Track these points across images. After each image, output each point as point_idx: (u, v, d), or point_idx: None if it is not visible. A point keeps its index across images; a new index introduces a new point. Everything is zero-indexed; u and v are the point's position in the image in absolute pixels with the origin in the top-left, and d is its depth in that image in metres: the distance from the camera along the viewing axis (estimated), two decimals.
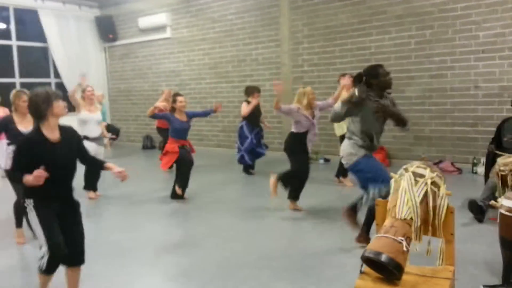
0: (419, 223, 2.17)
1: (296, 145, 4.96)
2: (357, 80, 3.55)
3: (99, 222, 4.95)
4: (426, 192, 2.19)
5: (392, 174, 2.46)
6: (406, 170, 2.33)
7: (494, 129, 6.68)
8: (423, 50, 7.54)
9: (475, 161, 6.99)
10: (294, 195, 5.03)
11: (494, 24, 6.78)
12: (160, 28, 11.10)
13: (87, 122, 5.58)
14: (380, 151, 7.89)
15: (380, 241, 2.13)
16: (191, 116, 5.75)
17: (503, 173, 4.15)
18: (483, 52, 6.97)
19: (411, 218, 2.16)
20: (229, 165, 8.35)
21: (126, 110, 12.30)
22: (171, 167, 5.85)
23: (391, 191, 2.38)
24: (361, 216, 3.76)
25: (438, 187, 2.23)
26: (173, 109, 5.59)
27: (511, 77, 6.73)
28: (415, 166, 2.32)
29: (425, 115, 7.53)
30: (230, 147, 10.25)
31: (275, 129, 9.25)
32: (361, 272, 2.24)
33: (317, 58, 8.78)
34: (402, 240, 2.08)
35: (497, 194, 4.30)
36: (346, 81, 5.76)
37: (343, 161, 3.75)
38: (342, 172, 6.37)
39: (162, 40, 11.19)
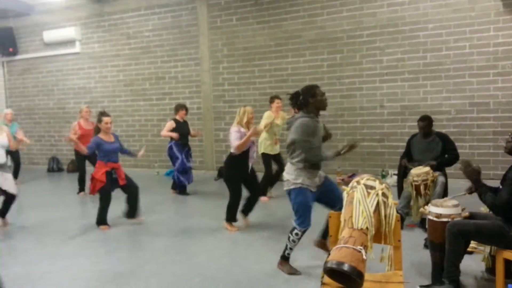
0: (373, 232, 2.35)
1: (237, 167, 4.91)
2: (294, 98, 3.62)
3: (18, 256, 4.40)
4: (378, 203, 2.39)
5: (343, 187, 2.63)
6: (357, 182, 2.51)
7: (398, 144, 7.52)
8: (335, 73, 8.16)
9: (383, 173, 7.68)
10: (233, 218, 5.05)
11: (396, 50, 7.63)
12: (68, 42, 10.43)
13: None
14: None
15: (341, 251, 2.25)
16: (117, 138, 5.30)
17: (416, 183, 4.66)
18: (386, 75, 7.77)
19: (367, 228, 2.33)
20: (152, 186, 8.05)
21: (28, 129, 11.18)
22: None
23: (344, 203, 2.54)
24: None
25: (387, 197, 2.45)
26: (97, 130, 5.15)
27: (411, 97, 7.60)
28: (365, 178, 2.52)
29: (338, 132, 8.10)
30: (149, 167, 9.94)
31: (197, 147, 9.22)
32: (322, 283, 2.34)
33: (237, 78, 8.98)
34: (361, 249, 2.23)
35: (411, 203, 4.80)
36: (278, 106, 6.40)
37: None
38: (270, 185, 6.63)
39: (70, 55, 10.51)
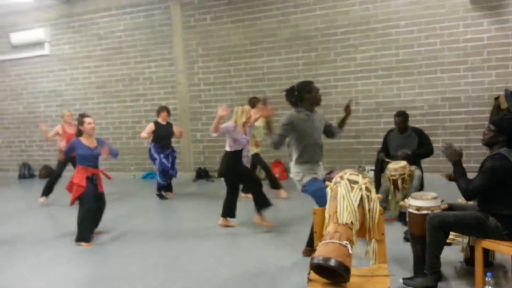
0: (358, 226, 2.36)
1: (236, 164, 4.94)
2: (290, 93, 3.70)
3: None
4: (361, 197, 2.41)
5: (327, 182, 2.64)
6: (341, 178, 2.52)
7: (374, 140, 7.64)
8: (310, 71, 8.22)
9: (360, 169, 7.78)
10: (229, 212, 5.02)
11: (369, 47, 7.74)
12: (37, 44, 10.10)
13: None
14: (278, 164, 8.34)
15: (327, 247, 2.25)
16: (101, 144, 4.95)
17: (394, 178, 4.74)
18: (360, 72, 7.88)
19: (352, 222, 2.34)
20: (130, 190, 7.89)
21: None
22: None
23: (328, 198, 2.55)
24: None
25: (370, 191, 2.47)
26: (79, 133, 4.84)
27: (385, 94, 7.74)
28: (348, 173, 2.54)
29: None
30: (124, 170, 9.74)
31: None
32: (308, 280, 2.33)
33: (213, 77, 8.92)
34: (347, 244, 2.24)
35: (390, 197, 4.88)
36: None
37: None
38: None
39: (40, 57, 10.19)
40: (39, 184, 9.27)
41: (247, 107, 5.14)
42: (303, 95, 3.65)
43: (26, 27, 10.18)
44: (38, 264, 4.19)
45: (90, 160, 4.76)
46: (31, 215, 6.30)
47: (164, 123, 6.91)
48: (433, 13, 7.30)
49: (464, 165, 3.15)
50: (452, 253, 3.68)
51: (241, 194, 6.52)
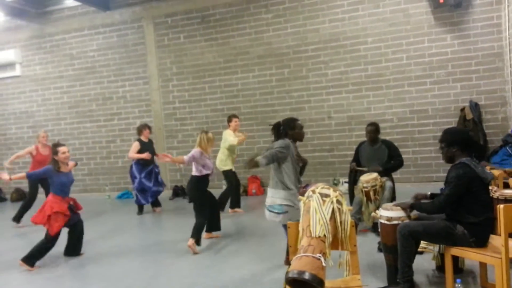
0: (331, 239, 2.44)
1: (203, 188, 5.04)
2: (275, 128, 3.96)
3: None
4: (333, 210, 2.49)
5: (300, 197, 2.71)
6: (313, 192, 2.60)
7: (347, 152, 7.82)
8: (283, 87, 8.39)
9: (335, 181, 7.94)
10: (199, 236, 4.98)
11: (339, 63, 7.98)
12: (8, 66, 9.95)
13: None
14: (255, 180, 8.39)
15: (301, 260, 2.31)
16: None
17: (366, 189, 4.85)
18: (332, 87, 8.10)
19: (324, 235, 2.41)
20: (105, 210, 7.77)
21: None
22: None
23: (301, 212, 2.62)
24: None
25: (341, 204, 2.56)
26: (55, 163, 4.70)
27: (356, 108, 7.96)
28: (320, 187, 2.62)
29: None
30: (98, 191, 9.59)
31: None
32: None
33: (188, 95, 8.97)
34: (320, 256, 2.30)
35: (363, 208, 4.99)
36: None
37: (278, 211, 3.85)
38: (234, 202, 6.68)
39: (11, 78, 10.04)
40: (11, 207, 9.04)
41: (210, 134, 5.13)
42: (287, 131, 3.89)
43: None
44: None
45: (67, 187, 4.75)
46: (2, 238, 6.11)
47: (146, 140, 6.99)
48: (399, 30, 7.61)
49: (434, 175, 3.32)
50: (424, 261, 3.79)
51: (229, 210, 6.59)
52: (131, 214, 7.17)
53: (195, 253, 4.76)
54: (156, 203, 7.28)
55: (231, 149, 6.44)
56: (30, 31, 9.82)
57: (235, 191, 6.71)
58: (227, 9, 8.56)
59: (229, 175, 6.59)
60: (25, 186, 7.95)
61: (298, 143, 4.17)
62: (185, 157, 4.88)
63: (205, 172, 5.00)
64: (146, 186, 6.87)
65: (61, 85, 9.76)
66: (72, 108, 9.74)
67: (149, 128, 7.14)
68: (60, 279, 4.31)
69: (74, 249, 4.98)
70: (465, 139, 3.22)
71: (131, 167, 6.94)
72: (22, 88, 10.04)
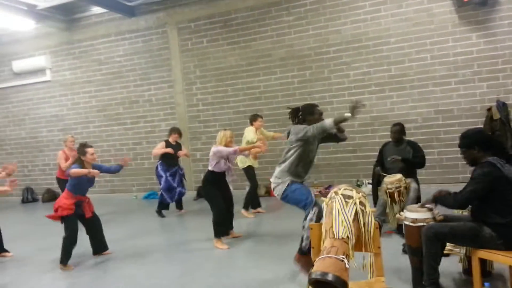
0: (354, 241, 2.47)
1: (213, 182, 5.15)
2: (294, 113, 3.89)
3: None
4: (356, 211, 2.52)
5: (322, 198, 2.76)
6: (335, 193, 2.64)
7: (370, 154, 7.76)
8: (305, 88, 8.41)
9: (358, 183, 7.90)
10: (221, 233, 5.13)
11: (361, 64, 7.95)
12: (38, 71, 10.34)
13: None
14: None
15: (325, 262, 2.35)
16: (98, 169, 5.01)
17: (390, 191, 4.83)
18: (354, 88, 8.07)
19: (347, 237, 2.45)
20: (132, 210, 7.98)
21: (0, 161, 10.94)
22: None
23: (324, 214, 2.66)
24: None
25: (364, 205, 2.59)
26: (80, 162, 4.79)
27: (379, 108, 7.91)
28: (343, 188, 2.65)
29: None
30: (126, 191, 9.85)
31: None
32: None
33: (211, 97, 9.11)
34: (343, 258, 2.34)
35: (387, 210, 4.97)
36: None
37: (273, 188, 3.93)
38: (254, 203, 6.75)
39: (41, 83, 10.42)
40: (42, 207, 9.41)
41: (228, 132, 5.30)
42: (305, 117, 3.81)
43: (28, 54, 10.44)
44: (41, 286, 4.27)
45: (84, 188, 4.87)
46: (35, 238, 6.38)
47: (173, 143, 7.17)
48: (423, 29, 7.52)
49: (460, 176, 3.29)
50: (450, 264, 3.74)
51: (251, 211, 6.69)
52: (155, 211, 7.31)
53: (226, 248, 4.95)
54: (179, 205, 7.43)
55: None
56: (59, 37, 10.17)
57: (253, 190, 6.75)
58: (248, 13, 8.65)
59: (249, 173, 6.65)
60: (56, 186, 8.24)
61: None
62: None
63: (214, 168, 5.13)
64: (172, 185, 7.05)
65: (89, 89, 10.07)
66: (100, 112, 10.04)
67: (180, 133, 7.30)
68: (87, 279, 4.47)
69: (99, 245, 5.11)
70: (482, 138, 3.19)
71: (157, 167, 7.12)
72: (52, 93, 10.41)
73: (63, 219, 4.73)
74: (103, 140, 10.03)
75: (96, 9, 9.58)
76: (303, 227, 3.72)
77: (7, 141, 11.00)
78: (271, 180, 3.95)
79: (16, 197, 10.56)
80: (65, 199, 4.76)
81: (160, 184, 7.09)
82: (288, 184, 3.80)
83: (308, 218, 3.69)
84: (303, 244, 3.71)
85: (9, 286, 4.40)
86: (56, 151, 7.79)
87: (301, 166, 3.86)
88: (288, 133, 3.90)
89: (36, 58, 10.24)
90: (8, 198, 10.69)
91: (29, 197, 10.32)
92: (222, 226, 5.13)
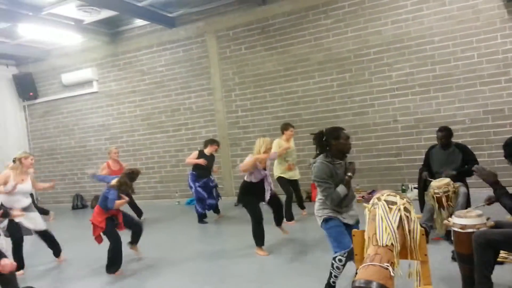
0: (399, 248, 2.39)
1: (250, 193, 5.18)
2: (317, 138, 3.50)
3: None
4: (401, 218, 2.44)
5: (364, 204, 2.69)
6: (378, 199, 2.57)
7: (415, 157, 7.51)
8: (345, 91, 8.28)
9: (403, 187, 7.65)
10: (261, 242, 5.13)
11: (404, 65, 7.72)
12: (86, 83, 10.85)
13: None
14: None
15: (368, 270, 2.28)
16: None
17: (437, 196, 4.64)
18: (397, 90, 7.85)
19: (392, 244, 2.37)
20: (174, 216, 8.16)
21: (51, 169, 11.54)
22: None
23: (367, 220, 2.59)
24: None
25: (409, 212, 2.50)
26: (122, 185, 4.91)
27: (424, 110, 7.64)
28: (386, 194, 2.58)
29: (353, 149, 8.08)
30: (169, 197, 10.09)
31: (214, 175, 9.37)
32: None
33: (249, 104, 9.17)
34: (388, 266, 2.27)
35: (435, 215, 4.78)
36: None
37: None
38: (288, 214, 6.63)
39: (89, 94, 10.92)
40: (91, 214, 9.74)
41: (267, 139, 5.35)
42: (330, 142, 3.41)
43: (75, 67, 10.98)
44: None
45: (108, 206, 4.92)
46: (84, 243, 6.64)
47: (208, 154, 7.24)
48: (468, 27, 7.21)
49: None
50: (504, 273, 3.56)
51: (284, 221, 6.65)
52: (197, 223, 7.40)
53: (266, 255, 4.97)
54: (216, 210, 7.56)
55: (281, 156, 6.47)
56: (104, 50, 10.63)
57: (287, 201, 6.60)
58: (286, 18, 8.65)
59: (281, 183, 6.65)
60: None
61: (360, 147, 3.96)
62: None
63: (250, 179, 5.16)
64: (201, 195, 7.09)
65: (134, 99, 10.43)
66: (144, 120, 10.36)
67: (218, 145, 7.41)
68: (133, 284, 4.60)
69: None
70: None
71: (188, 177, 7.22)
72: (99, 103, 10.87)
73: (104, 233, 4.91)
74: (147, 148, 10.34)
75: (139, 22, 9.92)
76: (332, 263, 3.46)
77: (58, 150, 11.58)
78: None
79: (67, 204, 11.09)
80: (96, 214, 4.93)
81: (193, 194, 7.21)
82: (326, 218, 3.49)
83: (337, 258, 3.42)
84: (331, 279, 3.51)
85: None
86: (103, 159, 8.13)
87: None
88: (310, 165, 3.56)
89: (83, 71, 10.75)
90: (59, 205, 11.25)
91: (78, 203, 10.81)
92: (261, 235, 5.11)
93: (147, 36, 10.09)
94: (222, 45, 9.32)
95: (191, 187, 7.15)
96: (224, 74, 9.36)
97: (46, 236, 5.47)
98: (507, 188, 3.14)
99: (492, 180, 3.08)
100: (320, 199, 3.52)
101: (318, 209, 3.57)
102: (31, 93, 11.37)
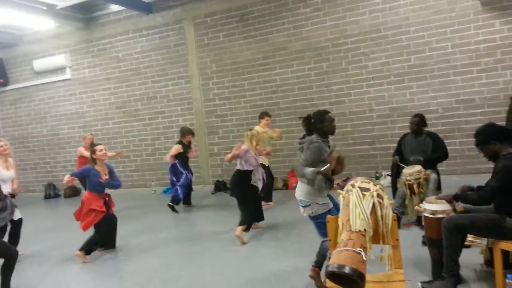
0: (371, 233, 2.44)
1: (245, 182, 5.25)
2: (305, 122, 3.74)
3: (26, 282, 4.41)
4: (373, 204, 2.49)
5: (339, 191, 2.73)
6: (352, 186, 2.61)
7: (389, 145, 7.65)
8: (322, 81, 8.33)
9: (377, 175, 7.80)
10: (247, 227, 5.16)
11: (380, 55, 7.82)
12: (59, 70, 10.56)
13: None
14: (293, 173, 8.43)
15: (341, 254, 2.33)
16: (111, 171, 5.12)
17: (409, 182, 4.76)
18: (372, 79, 7.95)
19: (365, 229, 2.42)
20: (151, 204, 8.10)
21: (23, 158, 11.23)
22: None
23: (341, 207, 2.64)
24: None
25: (382, 198, 2.55)
26: (93, 161, 4.97)
27: (398, 99, 7.78)
28: (360, 181, 2.62)
29: (330, 138, 8.20)
30: (145, 186, 9.99)
31: (192, 162, 9.31)
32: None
33: (227, 92, 9.12)
34: (360, 250, 2.32)
35: (406, 202, 4.90)
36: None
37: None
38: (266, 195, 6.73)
39: (62, 81, 10.64)
40: (64, 203, 9.66)
41: (255, 131, 5.36)
42: (317, 124, 3.63)
43: (48, 53, 10.66)
44: (63, 280, 4.39)
45: (102, 186, 4.97)
46: (58, 232, 6.54)
47: (186, 144, 7.23)
48: (443, 17, 7.34)
49: (482, 166, 3.22)
50: (471, 256, 3.67)
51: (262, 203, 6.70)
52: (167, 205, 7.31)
53: (243, 243, 4.93)
54: (188, 201, 7.48)
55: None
56: (78, 36, 10.34)
57: (268, 185, 6.64)
58: (265, 6, 8.60)
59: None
60: (77, 182, 8.39)
61: (337, 136, 4.03)
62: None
63: (246, 167, 5.23)
64: (188, 182, 7.16)
65: (108, 86, 10.22)
66: (119, 108, 10.18)
67: (193, 134, 7.37)
68: (108, 271, 4.57)
69: (109, 242, 5.20)
70: (496, 130, 3.13)
71: (174, 165, 7.11)
72: (73, 91, 10.61)
73: (96, 224, 4.86)
74: (123, 136, 10.18)
75: (114, 7, 9.68)
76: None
77: (30, 138, 11.27)
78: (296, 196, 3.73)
79: (39, 193, 10.85)
80: (91, 200, 4.86)
81: (179, 181, 7.11)
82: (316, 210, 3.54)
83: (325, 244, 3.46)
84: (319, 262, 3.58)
85: (32, 280, 4.52)
86: (77, 148, 7.99)
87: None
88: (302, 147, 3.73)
89: (56, 57, 10.45)
90: (31, 194, 11.00)
91: (51, 193, 10.57)
92: (249, 223, 5.16)
93: (123, 22, 9.87)
94: (200, 32, 9.21)
95: (181, 173, 7.09)
96: (202, 62, 9.27)
97: (17, 227, 5.29)
98: (475, 175, 3.25)
99: (452, 196, 3.28)
100: (307, 183, 3.52)
101: (312, 194, 3.51)
102: (1, 80, 11.00)
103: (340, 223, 2.59)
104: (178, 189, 7.10)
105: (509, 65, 7.02)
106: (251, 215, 5.18)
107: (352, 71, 8.09)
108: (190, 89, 9.44)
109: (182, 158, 7.14)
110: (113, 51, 10.05)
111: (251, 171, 5.28)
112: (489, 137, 3.09)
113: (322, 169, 3.45)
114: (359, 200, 2.50)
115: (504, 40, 7.02)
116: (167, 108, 9.71)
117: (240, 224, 5.07)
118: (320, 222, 3.49)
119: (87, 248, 4.87)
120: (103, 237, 4.98)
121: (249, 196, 5.23)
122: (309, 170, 3.49)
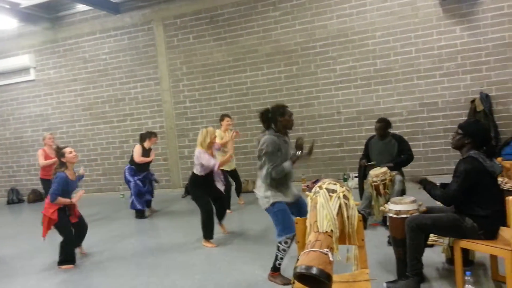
0: (338, 234, 2.49)
1: (200, 185, 5.11)
2: (264, 116, 3.68)
3: None
4: (340, 205, 2.54)
5: (307, 192, 2.77)
6: (320, 187, 2.66)
7: (357, 147, 7.84)
8: (292, 83, 8.43)
9: (345, 176, 7.96)
10: (210, 234, 5.09)
11: (347, 59, 7.99)
12: (22, 71, 10.19)
13: None
14: None
15: (309, 255, 2.36)
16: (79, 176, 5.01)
17: (375, 184, 4.88)
18: (341, 82, 8.11)
19: (332, 230, 2.47)
20: (118, 209, 7.93)
21: None
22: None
23: (309, 208, 2.68)
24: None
25: (348, 199, 2.61)
26: (62, 165, 4.65)
27: (365, 102, 7.96)
28: (327, 183, 2.67)
29: None
30: (113, 190, 9.78)
31: (162, 166, 9.24)
32: None
33: (198, 94, 9.08)
34: (327, 251, 2.36)
35: (373, 202, 5.02)
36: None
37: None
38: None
39: (25, 82, 10.27)
40: (28, 208, 9.32)
41: (211, 128, 5.21)
42: (276, 118, 3.63)
43: (11, 53, 10.28)
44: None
45: (68, 194, 4.72)
46: (21, 239, 6.31)
47: (147, 148, 6.93)
48: (407, 23, 7.58)
49: (445, 167, 3.34)
50: (434, 254, 3.81)
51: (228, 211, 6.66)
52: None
53: (214, 246, 4.98)
54: (148, 205, 7.22)
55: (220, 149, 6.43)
56: (43, 36, 10.03)
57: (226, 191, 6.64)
58: (235, 9, 8.62)
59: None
60: (41, 187, 8.13)
61: (306, 138, 4.06)
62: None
63: (200, 171, 5.05)
64: (141, 189, 6.82)
65: (74, 88, 9.95)
66: (86, 110, 9.94)
67: (156, 136, 7.12)
68: (72, 278, 4.45)
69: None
70: (484, 138, 3.21)
71: (124, 172, 6.88)
72: (37, 92, 10.27)
73: (55, 226, 4.67)
74: (90, 139, 9.94)
75: (81, 7, 9.45)
76: (278, 246, 3.64)
77: None
78: (255, 191, 3.83)
79: (1, 199, 10.43)
80: (47, 205, 4.65)
81: (130, 189, 6.82)
82: (272, 203, 3.63)
83: (282, 241, 3.61)
84: (277, 262, 3.67)
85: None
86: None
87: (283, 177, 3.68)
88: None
89: (19, 57, 10.08)
90: None
91: (14, 198, 10.17)
92: (211, 228, 5.08)
93: (90, 22, 9.65)
94: (169, 34, 9.12)
95: (129, 181, 6.80)
96: (172, 64, 9.18)
97: None
98: (439, 176, 3.37)
99: (419, 179, 3.38)
100: (265, 178, 3.62)
101: (265, 191, 3.65)
102: None
103: (308, 224, 2.63)
104: (134, 200, 6.80)
105: (469, 69, 7.33)
106: (208, 218, 5.03)
107: (320, 75, 8.22)
108: (159, 91, 9.33)
109: (135, 164, 6.83)
110: (79, 52, 9.81)
111: (206, 175, 5.10)
112: (473, 135, 3.14)
113: (297, 153, 3.54)
114: (326, 202, 2.54)
115: (464, 45, 7.33)
116: (136, 110, 9.55)
117: (204, 236, 5.05)
118: (272, 215, 3.63)
119: (66, 258, 4.69)
120: (67, 241, 4.70)
121: (205, 198, 5.08)
122: (287, 163, 3.58)
